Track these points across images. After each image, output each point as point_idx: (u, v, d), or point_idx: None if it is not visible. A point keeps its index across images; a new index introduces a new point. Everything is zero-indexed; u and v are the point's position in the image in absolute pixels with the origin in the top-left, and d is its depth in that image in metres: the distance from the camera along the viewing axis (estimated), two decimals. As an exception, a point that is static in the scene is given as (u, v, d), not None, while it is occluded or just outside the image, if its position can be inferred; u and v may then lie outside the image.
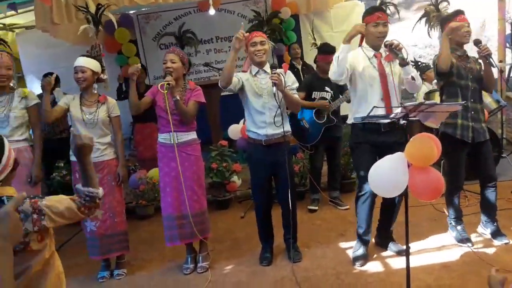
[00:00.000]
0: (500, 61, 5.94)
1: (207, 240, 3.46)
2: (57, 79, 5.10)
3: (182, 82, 3.26)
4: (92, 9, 4.37)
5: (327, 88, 4.25)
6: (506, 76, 6.16)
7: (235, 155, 4.89)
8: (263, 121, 3.16)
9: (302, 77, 5.48)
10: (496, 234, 3.33)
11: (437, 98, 4.92)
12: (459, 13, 3.19)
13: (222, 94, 5.37)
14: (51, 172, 4.68)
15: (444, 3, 3.36)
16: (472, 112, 3.21)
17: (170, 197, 3.26)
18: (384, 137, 3.02)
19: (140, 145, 5.65)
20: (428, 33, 3.45)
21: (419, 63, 6.15)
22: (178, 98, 3.09)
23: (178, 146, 3.21)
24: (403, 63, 2.93)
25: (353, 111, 3.18)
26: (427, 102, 2.23)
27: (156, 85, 3.23)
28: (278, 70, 3.13)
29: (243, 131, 4.48)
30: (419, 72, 5.78)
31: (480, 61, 3.25)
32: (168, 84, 3.06)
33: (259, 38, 3.11)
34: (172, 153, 3.21)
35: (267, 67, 3.16)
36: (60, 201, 1.69)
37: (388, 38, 3.05)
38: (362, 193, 3.12)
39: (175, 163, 3.21)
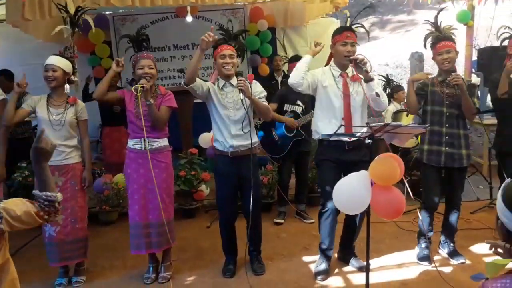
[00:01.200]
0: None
1: (171, 249, 3.41)
2: (12, 76, 4.94)
3: (153, 88, 3.22)
4: (72, 9, 4.28)
5: (299, 102, 4.30)
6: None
7: (205, 163, 4.86)
8: (228, 132, 3.15)
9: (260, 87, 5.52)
10: (454, 254, 3.43)
11: (404, 118, 5.09)
12: (440, 39, 3.21)
13: (195, 101, 5.36)
14: (12, 172, 4.52)
15: (450, 24, 3.36)
16: (447, 137, 3.23)
17: (138, 205, 3.20)
18: (348, 155, 3.07)
19: (108, 149, 5.55)
20: (425, 45, 3.41)
21: (391, 81, 6.31)
22: (151, 101, 3.05)
23: (149, 153, 3.15)
24: (368, 78, 2.97)
25: (316, 128, 3.23)
26: (392, 123, 2.29)
27: (127, 89, 3.18)
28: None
29: (213, 140, 4.47)
30: (389, 91, 5.95)
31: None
32: (143, 87, 3.00)
33: (228, 51, 3.11)
34: (142, 159, 3.15)
35: (233, 81, 3.16)
36: (18, 205, 1.64)
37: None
38: (325, 209, 3.16)
39: (144, 169, 3.16)
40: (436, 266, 3.28)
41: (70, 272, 3.38)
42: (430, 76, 3.40)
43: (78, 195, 3.25)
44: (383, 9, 15.22)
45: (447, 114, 3.23)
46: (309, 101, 4.37)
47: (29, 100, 3.26)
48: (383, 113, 5.91)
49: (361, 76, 3.03)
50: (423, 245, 3.44)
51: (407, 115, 5.09)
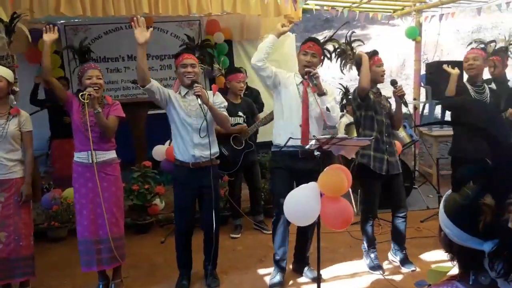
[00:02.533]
0: (415, 99, 6.44)
1: (121, 266, 3.30)
2: None
3: (100, 98, 3.14)
4: (5, 17, 4.10)
5: (240, 113, 4.29)
6: (420, 113, 6.66)
7: (159, 176, 4.76)
8: (190, 140, 3.12)
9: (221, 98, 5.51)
10: (405, 261, 3.52)
11: (355, 131, 5.20)
12: (375, 54, 3.41)
13: (149, 112, 5.28)
14: None
15: (357, 42, 3.55)
16: (387, 146, 3.39)
17: (87, 221, 3.08)
18: (301, 164, 3.09)
19: (58, 162, 5.34)
20: (341, 70, 3.61)
21: (348, 93, 6.43)
22: (100, 110, 2.97)
23: (97, 166, 3.05)
24: (319, 92, 3.04)
25: (275, 134, 3.24)
26: (338, 136, 2.35)
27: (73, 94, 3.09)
28: (209, 92, 3.18)
29: (168, 153, 4.39)
30: (345, 102, 6.08)
31: (391, 100, 3.50)
32: (90, 95, 2.92)
33: (190, 60, 3.11)
34: (90, 173, 3.05)
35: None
36: None
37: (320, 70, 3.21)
38: (278, 218, 3.18)
39: (92, 183, 3.05)
40: (384, 275, 3.37)
41: (14, 290, 3.19)
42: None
43: (22, 211, 3.10)
44: (338, 23, 15.68)
45: (386, 123, 3.41)
46: (249, 110, 4.39)
47: None
48: (336, 125, 6.04)
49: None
50: (372, 255, 3.51)
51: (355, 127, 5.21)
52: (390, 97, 3.48)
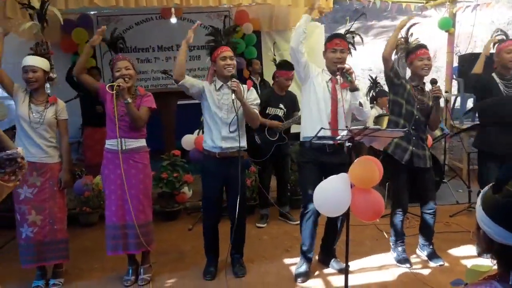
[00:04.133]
0: (446, 92, 6.28)
1: (150, 252, 3.37)
2: None
3: (133, 89, 3.20)
4: (36, 4, 4.20)
5: (281, 106, 4.33)
6: (451, 106, 6.51)
7: (188, 165, 4.83)
8: (218, 133, 3.16)
9: (259, 93, 5.54)
10: (432, 256, 3.47)
11: (385, 123, 5.13)
12: (422, 46, 3.33)
13: (179, 102, 5.35)
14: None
15: (415, 37, 3.47)
16: (414, 138, 3.33)
17: (115, 206, 3.16)
18: (329, 158, 3.10)
19: (89, 150, 5.49)
20: (397, 64, 3.57)
21: (378, 85, 6.35)
22: (129, 101, 3.03)
23: (126, 153, 3.13)
24: (352, 88, 3.04)
25: (302, 128, 3.25)
26: (371, 127, 2.32)
27: (105, 84, 3.15)
28: (244, 86, 3.19)
29: (197, 142, 4.45)
30: (373, 94, 6.01)
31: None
32: (118, 85, 2.98)
33: (228, 53, 3.13)
34: (119, 160, 3.11)
35: (229, 83, 3.13)
36: None
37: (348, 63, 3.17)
38: (307, 211, 3.19)
39: (120, 170, 3.12)
40: (411, 268, 3.34)
41: (48, 274, 3.32)
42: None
43: (57, 196, 3.20)
44: (368, 14, 15.41)
45: (416, 117, 3.33)
46: (291, 105, 4.40)
47: (18, 85, 3.17)
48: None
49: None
50: (400, 248, 3.48)
51: (388, 120, 5.14)
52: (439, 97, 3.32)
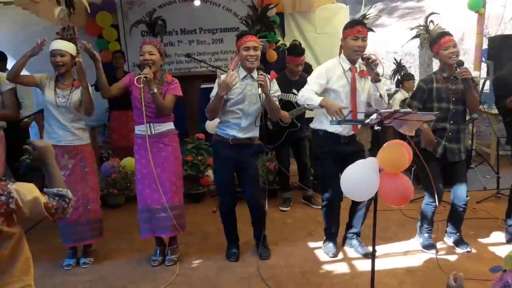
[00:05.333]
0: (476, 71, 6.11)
1: (177, 236, 3.42)
2: (4, 57, 4.90)
3: (159, 74, 3.18)
4: None
5: (294, 91, 4.22)
6: (480, 89, 6.33)
7: (211, 149, 4.86)
8: (237, 124, 3.14)
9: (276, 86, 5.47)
10: (459, 242, 3.43)
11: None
12: (445, 34, 3.19)
13: (202, 86, 5.35)
14: (20, 155, 4.54)
15: (436, 24, 3.35)
16: (449, 134, 3.24)
17: (149, 189, 3.20)
18: (343, 148, 3.14)
19: (115, 133, 5.58)
20: (402, 46, 3.51)
21: (402, 68, 6.23)
22: (155, 91, 3.02)
23: (155, 137, 3.16)
24: (376, 79, 2.96)
25: (319, 119, 3.23)
26: (402, 110, 2.28)
27: (133, 73, 3.16)
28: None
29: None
30: (398, 77, 5.89)
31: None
32: (146, 77, 2.98)
33: (252, 43, 3.04)
34: (150, 144, 3.14)
35: (254, 73, 3.11)
36: (30, 190, 1.67)
37: (371, 46, 3.11)
38: (327, 201, 3.24)
39: (153, 154, 3.15)
40: (438, 254, 3.31)
41: (78, 253, 3.42)
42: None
43: (88, 177, 3.28)
44: (392, -5, 15.02)
45: (453, 110, 3.21)
46: None
47: (40, 75, 3.23)
48: (390, 101, 5.87)
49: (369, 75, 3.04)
50: (426, 234, 3.44)
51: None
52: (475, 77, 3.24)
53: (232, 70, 3.13)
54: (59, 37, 3.90)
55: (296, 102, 4.23)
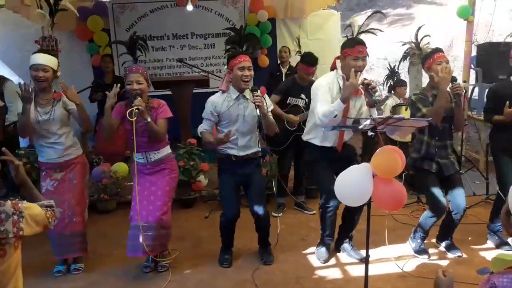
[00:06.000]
0: (464, 81, 6.19)
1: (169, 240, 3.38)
2: None
3: (146, 100, 3.07)
4: None
5: (302, 96, 4.27)
6: (469, 96, 6.42)
7: (203, 154, 4.85)
8: (234, 143, 3.15)
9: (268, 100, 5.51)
10: (451, 247, 3.46)
11: (403, 112, 5.10)
12: (437, 51, 3.21)
13: (195, 91, 5.35)
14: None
15: (426, 40, 3.39)
16: (436, 149, 3.28)
17: (140, 207, 3.09)
18: (336, 155, 3.22)
19: (101, 138, 5.52)
20: (408, 71, 3.52)
21: (395, 74, 6.27)
22: (149, 120, 2.95)
23: (153, 164, 3.16)
24: (372, 105, 3.00)
25: (308, 131, 3.31)
26: (395, 116, 2.30)
27: (119, 104, 3.08)
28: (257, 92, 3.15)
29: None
30: (391, 83, 5.94)
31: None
32: (138, 109, 2.89)
33: (247, 63, 3.06)
34: (147, 169, 3.16)
35: (246, 93, 3.14)
36: (35, 207, 1.81)
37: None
38: (328, 206, 3.22)
39: (150, 177, 3.18)
40: (430, 259, 3.33)
41: (69, 260, 3.37)
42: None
43: (76, 189, 3.21)
44: (382, 2, 15.20)
45: (440, 128, 3.25)
46: None
47: (17, 105, 3.18)
48: (382, 107, 5.92)
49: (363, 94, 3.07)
50: (419, 240, 3.45)
51: (405, 109, 5.10)
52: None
53: (223, 91, 3.15)
54: (38, 46, 3.82)
55: (304, 107, 4.26)
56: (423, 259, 3.38)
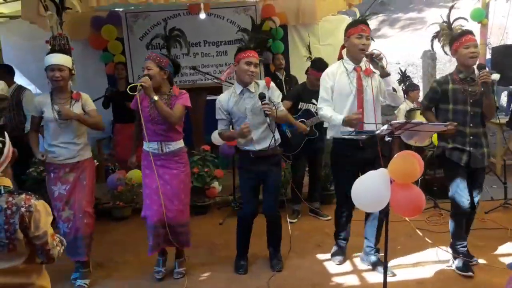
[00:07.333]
0: (498, 73, 6.08)
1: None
2: (11, 71, 4.81)
3: (166, 88, 3.14)
4: None
5: (314, 101, 4.27)
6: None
7: (217, 160, 4.86)
8: (250, 139, 3.15)
9: (284, 88, 5.51)
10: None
11: (418, 117, 5.04)
12: (466, 33, 3.05)
13: (208, 98, 5.36)
14: (27, 167, 4.53)
15: (459, 21, 3.22)
16: (471, 137, 3.08)
17: (156, 205, 3.12)
18: (363, 153, 3.04)
19: (119, 145, 5.57)
20: (432, 46, 3.34)
21: (407, 78, 6.22)
22: (156, 99, 2.95)
23: (166, 155, 3.14)
24: (384, 74, 2.90)
25: (334, 128, 3.18)
26: (413, 121, 2.27)
27: (136, 97, 3.08)
28: (261, 82, 3.16)
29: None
30: (403, 87, 5.90)
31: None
32: (141, 86, 2.92)
33: (255, 59, 3.07)
34: (160, 161, 3.13)
35: (251, 86, 3.14)
36: (49, 213, 1.79)
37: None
38: (342, 210, 3.22)
39: (162, 171, 3.14)
40: (448, 266, 3.27)
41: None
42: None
43: (86, 190, 3.19)
44: (394, 6, 15.14)
45: (471, 113, 3.06)
46: None
47: (35, 104, 3.19)
48: (395, 112, 5.88)
49: (375, 71, 2.98)
50: (461, 256, 3.18)
51: (420, 114, 5.05)
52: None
53: (223, 81, 3.16)
54: (50, 46, 3.86)
55: (315, 112, 4.26)
56: (440, 264, 3.31)
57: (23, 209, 1.66)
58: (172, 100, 3.13)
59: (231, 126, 3.31)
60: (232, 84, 3.34)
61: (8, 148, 1.77)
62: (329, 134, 3.26)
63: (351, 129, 2.80)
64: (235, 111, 3.14)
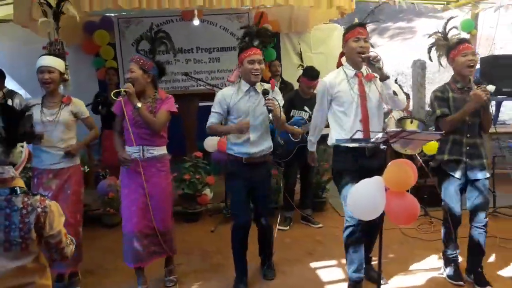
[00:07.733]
0: (492, 85, 6.17)
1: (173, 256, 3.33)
2: (2, 75, 4.74)
3: (151, 91, 3.04)
4: (52, 2, 4.19)
5: (306, 108, 4.31)
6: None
7: (209, 167, 4.84)
8: (246, 139, 3.06)
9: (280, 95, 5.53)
10: (481, 281, 3.12)
11: (408, 125, 5.10)
12: (463, 41, 3.01)
13: (200, 104, 5.36)
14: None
15: (454, 31, 3.18)
16: (467, 148, 3.03)
17: (136, 217, 2.99)
18: (369, 162, 2.83)
19: (107, 150, 5.51)
20: (430, 57, 3.25)
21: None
22: (139, 105, 2.88)
23: (147, 161, 3.01)
24: (383, 77, 2.79)
25: (331, 134, 3.04)
26: (408, 129, 2.30)
27: (120, 102, 2.98)
28: (266, 85, 3.10)
29: (220, 144, 4.46)
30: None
31: None
32: (125, 91, 2.87)
33: (257, 56, 2.97)
34: (139, 167, 2.97)
35: (257, 86, 3.07)
36: (62, 214, 1.87)
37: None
38: (352, 225, 2.92)
39: (141, 179, 2.98)
40: (439, 273, 3.29)
41: (65, 276, 3.22)
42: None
43: (69, 200, 3.07)
44: (383, 16, 15.34)
45: (469, 123, 3.01)
46: None
47: (32, 102, 3.09)
48: (385, 120, 5.92)
49: (376, 75, 2.87)
50: (452, 264, 3.17)
51: (411, 122, 5.11)
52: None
53: (232, 82, 3.10)
54: (46, 52, 3.85)
55: (307, 119, 4.27)
56: (433, 272, 3.32)
57: (39, 210, 1.73)
58: (157, 103, 3.02)
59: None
60: (221, 88, 3.31)
61: (26, 152, 1.86)
62: (330, 142, 3.06)
63: (346, 138, 2.69)
64: (236, 108, 3.03)
